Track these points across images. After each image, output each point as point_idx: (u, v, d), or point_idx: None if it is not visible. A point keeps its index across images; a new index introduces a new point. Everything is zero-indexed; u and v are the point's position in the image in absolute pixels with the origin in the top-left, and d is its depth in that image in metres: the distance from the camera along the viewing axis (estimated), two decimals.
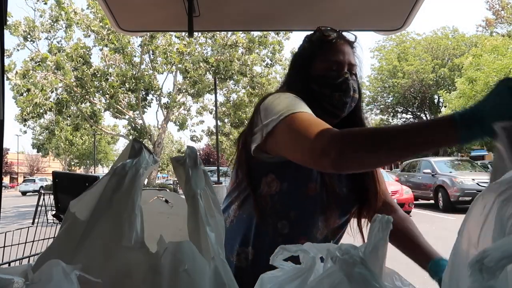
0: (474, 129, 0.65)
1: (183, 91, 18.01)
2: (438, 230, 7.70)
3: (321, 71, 1.05)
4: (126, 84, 15.77)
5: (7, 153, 43.66)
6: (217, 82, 16.18)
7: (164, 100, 18.51)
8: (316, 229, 1.05)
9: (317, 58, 1.07)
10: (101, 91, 16.36)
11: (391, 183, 10.94)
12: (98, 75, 15.64)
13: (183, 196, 0.59)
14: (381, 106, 32.47)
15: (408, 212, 9.72)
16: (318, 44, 1.08)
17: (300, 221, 1.04)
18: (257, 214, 1.02)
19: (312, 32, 1.13)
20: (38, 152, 23.91)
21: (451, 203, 10.98)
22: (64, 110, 16.20)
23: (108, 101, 16.65)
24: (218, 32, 14.91)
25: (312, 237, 1.04)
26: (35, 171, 52.12)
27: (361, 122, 1.13)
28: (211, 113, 21.76)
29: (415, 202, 11.56)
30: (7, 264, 1.87)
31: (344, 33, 1.11)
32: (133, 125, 18.30)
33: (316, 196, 1.02)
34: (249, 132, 1.00)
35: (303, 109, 0.91)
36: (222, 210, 1.07)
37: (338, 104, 1.04)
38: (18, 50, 16.03)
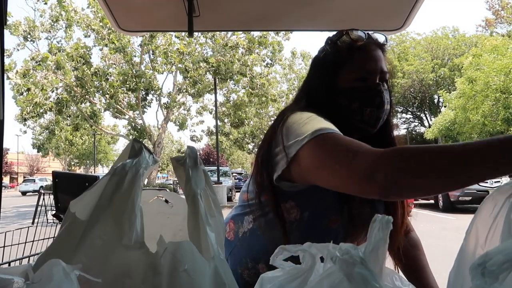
0: None
1: (183, 91, 18.01)
2: (438, 230, 7.70)
3: (349, 83, 0.92)
4: (126, 83, 15.77)
5: (7, 153, 43.67)
6: (217, 82, 16.19)
7: (164, 100, 18.55)
8: None
9: (344, 66, 0.93)
10: (101, 91, 16.37)
11: None
12: (99, 75, 15.64)
13: (183, 196, 0.59)
14: None
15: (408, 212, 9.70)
16: (345, 50, 0.93)
17: None
18: (284, 238, 0.90)
19: (335, 32, 0.97)
20: (38, 152, 23.90)
21: (451, 203, 10.99)
22: (64, 110, 16.21)
23: (108, 101, 16.65)
24: (218, 32, 14.92)
25: None
26: (35, 171, 52.11)
27: (390, 136, 1.01)
28: (211, 113, 21.79)
29: (415, 202, 11.54)
30: (7, 264, 1.87)
31: (375, 34, 0.96)
32: (133, 125, 18.31)
33: (338, 228, 0.92)
34: (268, 150, 0.89)
35: (332, 129, 0.78)
36: (235, 216, 1.03)
37: (370, 121, 0.91)
38: (18, 50, 16.07)
